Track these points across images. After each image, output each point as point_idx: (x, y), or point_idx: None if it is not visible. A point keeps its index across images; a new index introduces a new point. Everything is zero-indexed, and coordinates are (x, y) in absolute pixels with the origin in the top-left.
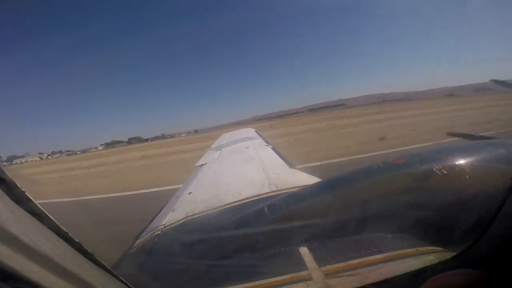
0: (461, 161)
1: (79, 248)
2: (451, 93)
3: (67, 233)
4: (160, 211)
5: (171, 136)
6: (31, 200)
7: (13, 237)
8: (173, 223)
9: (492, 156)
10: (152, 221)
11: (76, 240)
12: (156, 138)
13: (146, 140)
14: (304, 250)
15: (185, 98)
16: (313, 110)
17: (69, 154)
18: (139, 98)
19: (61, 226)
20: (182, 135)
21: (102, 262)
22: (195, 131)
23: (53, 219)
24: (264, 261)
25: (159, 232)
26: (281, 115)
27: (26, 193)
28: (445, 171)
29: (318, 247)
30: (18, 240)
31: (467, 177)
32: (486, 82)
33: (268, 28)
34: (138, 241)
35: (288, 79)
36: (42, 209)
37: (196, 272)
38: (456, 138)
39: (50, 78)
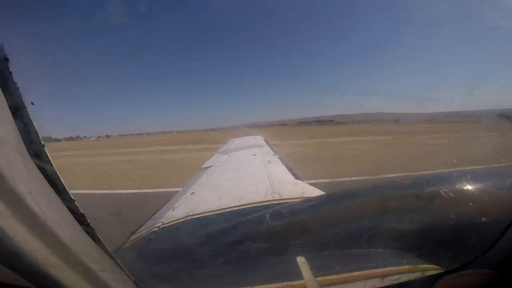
0: (466, 187)
1: (88, 231)
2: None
3: (83, 215)
4: (160, 208)
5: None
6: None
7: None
8: (171, 221)
9: (496, 185)
10: (151, 217)
11: (90, 225)
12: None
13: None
14: (301, 260)
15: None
16: (303, 123)
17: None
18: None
19: (78, 206)
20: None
21: (109, 249)
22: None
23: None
24: (260, 267)
25: (156, 229)
26: (265, 125)
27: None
28: (450, 194)
29: (316, 257)
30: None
31: (471, 202)
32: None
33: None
34: (133, 236)
35: (282, 87)
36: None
37: (190, 273)
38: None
39: None
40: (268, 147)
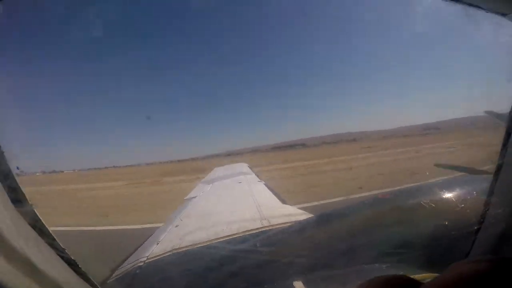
0: (441, 196)
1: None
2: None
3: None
4: (143, 243)
5: None
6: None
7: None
8: (156, 256)
9: (465, 192)
10: (134, 252)
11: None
12: None
13: None
14: (298, 285)
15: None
16: (277, 148)
17: None
18: None
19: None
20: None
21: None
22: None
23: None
24: None
25: (142, 263)
26: (242, 152)
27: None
28: (428, 204)
29: (312, 280)
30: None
31: (446, 209)
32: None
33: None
34: (117, 272)
35: (254, 113)
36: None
37: None
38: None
39: None
40: (253, 174)
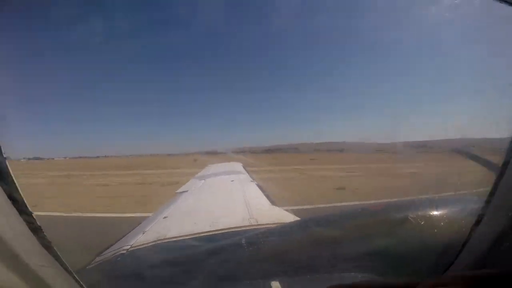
0: (431, 213)
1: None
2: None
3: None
4: (129, 232)
5: None
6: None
7: None
8: (140, 245)
9: (454, 210)
10: (119, 240)
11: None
12: None
13: None
14: (275, 285)
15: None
16: (270, 150)
17: None
18: None
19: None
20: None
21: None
22: None
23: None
24: None
25: (124, 251)
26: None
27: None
28: (417, 219)
29: (289, 282)
30: None
31: (434, 226)
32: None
33: None
34: (98, 258)
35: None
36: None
37: None
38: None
39: None
40: (247, 174)
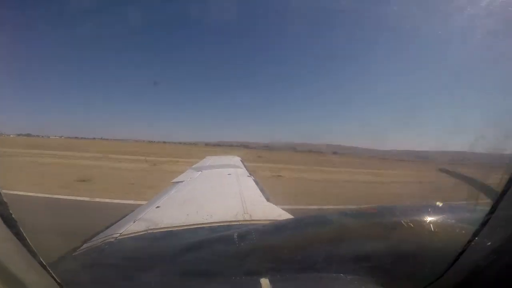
0: (426, 219)
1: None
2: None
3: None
4: (119, 220)
5: None
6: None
7: None
8: (130, 233)
9: (450, 218)
10: (108, 227)
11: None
12: None
13: None
14: (265, 282)
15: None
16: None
17: None
18: None
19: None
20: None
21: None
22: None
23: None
24: (222, 286)
25: (113, 239)
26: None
27: None
28: (411, 224)
29: (279, 280)
30: None
31: (428, 232)
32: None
33: None
34: (86, 245)
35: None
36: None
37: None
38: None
39: None
40: (244, 169)
